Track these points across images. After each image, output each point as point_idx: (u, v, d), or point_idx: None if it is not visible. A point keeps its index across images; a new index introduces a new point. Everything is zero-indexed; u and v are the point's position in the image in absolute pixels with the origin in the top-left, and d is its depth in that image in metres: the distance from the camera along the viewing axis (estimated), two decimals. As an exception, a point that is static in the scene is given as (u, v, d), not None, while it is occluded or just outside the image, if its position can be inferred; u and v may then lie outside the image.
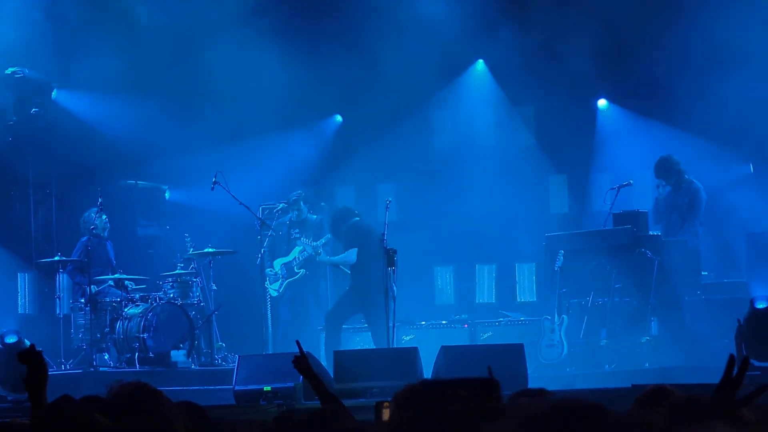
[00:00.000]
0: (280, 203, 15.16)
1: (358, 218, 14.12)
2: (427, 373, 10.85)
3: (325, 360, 11.92)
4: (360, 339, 14.19)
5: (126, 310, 13.84)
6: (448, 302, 16.97)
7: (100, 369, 13.40)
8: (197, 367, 13.71)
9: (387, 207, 13.16)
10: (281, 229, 15.01)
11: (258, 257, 14.65)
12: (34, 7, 14.94)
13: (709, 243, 14.79)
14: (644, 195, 14.94)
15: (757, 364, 10.64)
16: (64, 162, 15.79)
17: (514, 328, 14.42)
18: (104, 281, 14.28)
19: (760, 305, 10.95)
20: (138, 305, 13.89)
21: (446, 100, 17.30)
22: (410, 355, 11.11)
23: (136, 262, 15.37)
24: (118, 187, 16.47)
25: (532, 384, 9.79)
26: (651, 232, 13.77)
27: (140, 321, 13.57)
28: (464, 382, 3.53)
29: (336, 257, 14.43)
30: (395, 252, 12.53)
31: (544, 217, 16.39)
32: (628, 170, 15.83)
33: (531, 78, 16.12)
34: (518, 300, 16.76)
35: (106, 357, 13.85)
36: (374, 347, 13.25)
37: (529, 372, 10.88)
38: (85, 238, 14.32)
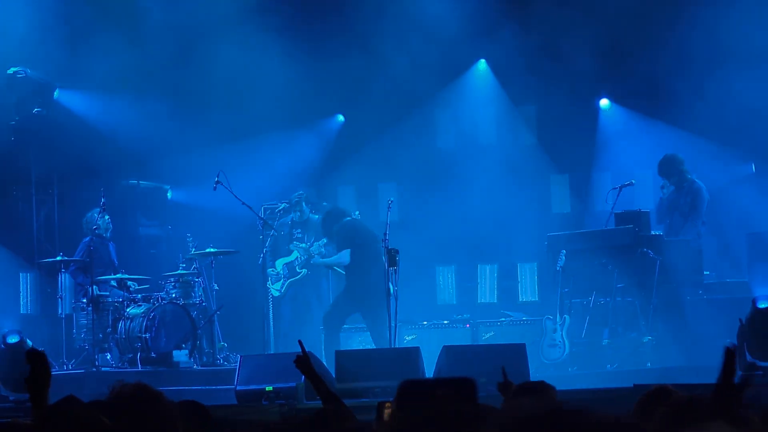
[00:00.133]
0: (282, 203, 15.16)
1: (349, 218, 14.06)
2: (429, 372, 10.86)
3: (325, 360, 11.91)
4: (361, 339, 14.19)
5: (128, 310, 13.84)
6: (449, 302, 16.97)
7: (102, 369, 13.40)
8: (199, 367, 13.70)
9: (389, 207, 13.16)
10: (283, 229, 15.02)
11: (260, 257, 14.66)
12: (36, 7, 14.94)
13: (711, 243, 14.80)
14: (646, 195, 14.95)
15: (759, 363, 10.65)
16: (67, 162, 15.80)
17: (515, 328, 14.42)
18: (106, 281, 14.28)
19: (762, 305, 10.95)
20: (140, 305, 13.90)
21: (448, 100, 17.31)
22: (412, 355, 11.12)
23: (139, 262, 15.37)
24: (120, 187, 16.48)
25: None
26: (653, 232, 13.78)
27: (142, 321, 13.57)
28: (443, 383, 3.53)
29: (329, 259, 14.36)
30: (397, 252, 12.53)
31: (545, 216, 16.39)
32: (630, 170, 15.84)
33: (533, 78, 16.13)
34: (520, 300, 16.77)
35: (108, 357, 13.85)
36: (374, 347, 13.25)
37: (531, 372, 10.89)
38: (87, 239, 14.31)
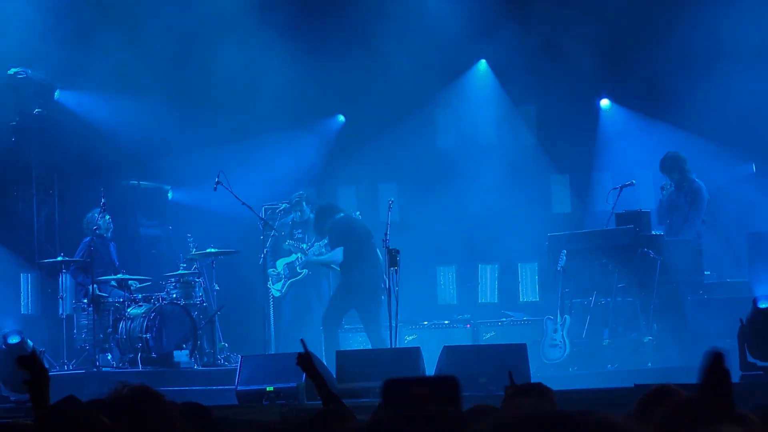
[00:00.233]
0: (283, 203, 15.16)
1: (342, 214, 13.97)
2: (430, 372, 10.85)
3: (326, 361, 11.91)
4: (361, 339, 14.17)
5: (129, 310, 13.84)
6: (450, 302, 16.97)
7: (103, 369, 13.40)
8: (200, 368, 13.71)
9: (389, 207, 13.14)
10: (284, 230, 15.01)
11: (260, 257, 14.66)
12: (37, 8, 14.94)
13: (712, 242, 14.79)
14: (646, 195, 14.95)
15: (759, 363, 10.65)
16: (67, 162, 15.81)
17: (516, 328, 14.42)
18: (107, 281, 14.29)
19: (763, 305, 10.94)
20: (141, 305, 13.90)
21: (449, 100, 17.31)
22: (412, 355, 11.12)
23: (139, 263, 15.38)
24: (120, 187, 16.48)
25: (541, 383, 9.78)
26: (653, 232, 13.78)
27: (143, 321, 13.58)
28: (423, 381, 3.52)
29: (323, 257, 14.29)
30: (398, 252, 12.52)
31: (546, 216, 16.39)
32: (631, 170, 15.85)
33: (533, 78, 16.13)
34: (521, 300, 16.77)
35: (108, 357, 13.85)
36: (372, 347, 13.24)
37: (531, 372, 10.89)
38: (88, 239, 14.32)
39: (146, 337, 13.51)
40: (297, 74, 15.84)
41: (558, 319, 13.50)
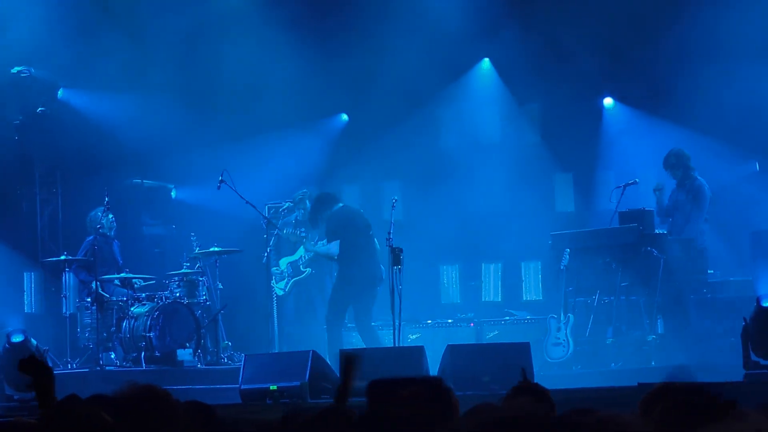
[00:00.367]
0: (286, 202, 15.15)
1: (341, 204, 13.75)
2: (434, 372, 10.85)
3: (329, 359, 11.89)
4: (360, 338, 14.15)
5: (132, 309, 13.85)
6: (453, 301, 16.96)
7: (107, 368, 13.41)
8: (203, 366, 13.71)
9: (393, 206, 13.08)
10: (287, 228, 15.00)
11: (264, 256, 14.64)
12: (39, 6, 14.95)
13: (715, 241, 14.78)
14: (650, 193, 14.92)
15: (762, 362, 10.64)
16: (70, 161, 15.82)
17: (520, 327, 14.42)
18: (110, 280, 14.29)
19: (766, 303, 10.93)
20: (144, 304, 13.91)
21: (452, 99, 17.29)
22: (416, 354, 11.10)
23: (142, 261, 15.37)
24: (124, 185, 16.47)
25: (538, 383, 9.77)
26: (657, 231, 13.78)
27: (146, 320, 13.58)
28: (413, 381, 3.53)
29: (320, 248, 14.13)
30: (401, 251, 12.51)
31: (549, 215, 16.38)
32: (634, 168, 15.82)
33: (536, 76, 16.11)
34: (524, 298, 16.76)
35: (112, 356, 13.85)
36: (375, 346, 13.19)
37: (535, 371, 10.88)
38: (91, 237, 14.32)
39: (149, 336, 13.51)
40: (300, 73, 15.85)
41: (561, 318, 13.50)
